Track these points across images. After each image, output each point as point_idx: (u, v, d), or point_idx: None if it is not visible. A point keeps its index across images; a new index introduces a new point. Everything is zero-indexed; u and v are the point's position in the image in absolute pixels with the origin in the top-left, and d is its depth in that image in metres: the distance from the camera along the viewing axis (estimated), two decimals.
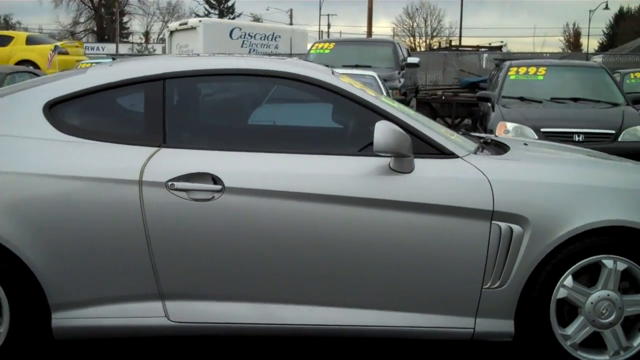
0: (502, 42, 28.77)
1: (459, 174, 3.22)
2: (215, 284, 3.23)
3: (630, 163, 3.77)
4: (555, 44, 76.42)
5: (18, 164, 3.16)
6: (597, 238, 3.22)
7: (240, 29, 22.57)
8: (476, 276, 3.22)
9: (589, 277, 3.31)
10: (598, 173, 3.44)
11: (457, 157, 3.27)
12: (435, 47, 47.87)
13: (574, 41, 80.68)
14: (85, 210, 3.15)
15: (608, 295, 3.27)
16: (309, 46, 19.82)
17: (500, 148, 3.68)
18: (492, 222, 3.18)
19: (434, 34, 65.92)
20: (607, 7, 73.60)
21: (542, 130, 8.16)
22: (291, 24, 51.14)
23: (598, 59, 22.21)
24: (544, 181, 3.26)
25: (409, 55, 15.75)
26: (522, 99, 9.36)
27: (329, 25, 62.07)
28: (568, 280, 3.26)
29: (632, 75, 14.40)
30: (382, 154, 3.12)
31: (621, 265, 3.26)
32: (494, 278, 3.22)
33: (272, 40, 22.82)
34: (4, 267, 3.15)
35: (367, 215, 3.17)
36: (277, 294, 3.24)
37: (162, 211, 3.14)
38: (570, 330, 3.30)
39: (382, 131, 3.06)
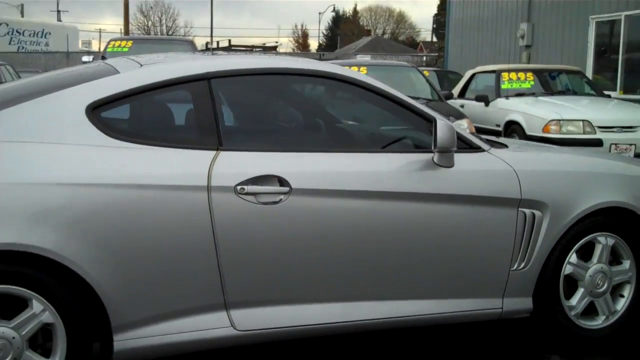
0: (276, 42, 29.62)
1: (491, 167, 3.52)
2: (282, 288, 3.19)
3: (604, 153, 4.33)
4: (286, 44, 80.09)
5: (71, 175, 2.86)
6: (595, 218, 3.71)
7: (7, 24, 20.73)
8: (506, 260, 3.54)
9: (583, 253, 3.78)
10: (592, 162, 3.94)
11: (484, 151, 3.57)
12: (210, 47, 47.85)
13: (303, 42, 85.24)
14: (151, 221, 2.93)
15: (602, 268, 3.78)
16: (80, 44, 18.84)
17: (500, 144, 4.03)
18: (519, 209, 3.52)
19: (170, 32, 65.73)
20: (334, 10, 78.84)
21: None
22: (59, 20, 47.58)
23: (366, 57, 23.73)
24: (557, 170, 3.68)
25: None
26: None
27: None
28: (573, 258, 3.71)
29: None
30: (441, 151, 3.31)
31: (610, 241, 3.79)
32: (520, 260, 3.56)
33: (42, 37, 21.23)
34: (60, 290, 2.84)
35: (418, 209, 3.34)
36: (344, 292, 3.29)
37: (231, 217, 3.04)
38: (574, 301, 3.75)
39: (444, 129, 3.26)
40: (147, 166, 2.96)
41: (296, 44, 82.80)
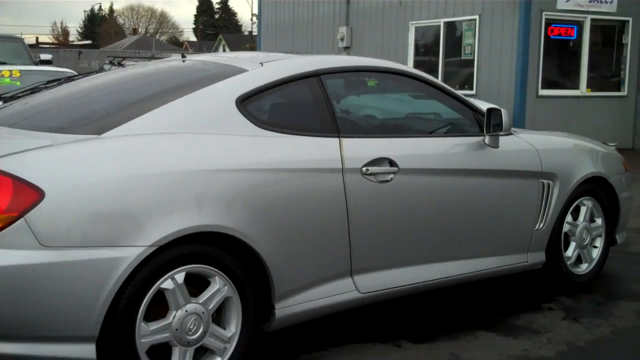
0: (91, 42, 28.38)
1: (521, 146, 4.27)
2: (393, 254, 3.68)
3: (582, 136, 5.20)
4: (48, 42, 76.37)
5: (239, 161, 3.14)
6: (583, 186, 4.61)
7: None
8: (531, 221, 4.32)
9: (573, 214, 4.66)
10: (580, 142, 4.85)
11: (512, 134, 4.30)
12: None
13: (64, 40, 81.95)
14: (300, 199, 3.30)
15: (585, 225, 4.70)
16: None
17: None
18: (540, 180, 4.31)
19: None
20: (101, 9, 76.28)
21: None
22: None
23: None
24: (562, 148, 4.55)
25: None
26: None
27: None
28: (569, 218, 4.58)
29: None
30: (492, 135, 3.99)
31: (590, 204, 4.72)
32: (539, 222, 4.35)
33: None
34: (237, 266, 3.10)
35: (479, 183, 4.01)
36: (436, 254, 3.85)
37: (359, 194, 3.47)
38: (569, 253, 4.63)
39: (506, 116, 3.95)
40: (292, 152, 3.32)
41: (57, 42, 79.03)
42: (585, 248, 4.74)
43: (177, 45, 74.76)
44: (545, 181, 4.34)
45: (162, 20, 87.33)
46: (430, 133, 4.02)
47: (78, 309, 2.71)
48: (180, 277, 2.94)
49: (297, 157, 3.32)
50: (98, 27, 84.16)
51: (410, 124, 4.28)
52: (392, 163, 3.59)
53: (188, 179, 2.96)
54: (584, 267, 4.75)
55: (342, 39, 16.69)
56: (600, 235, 4.84)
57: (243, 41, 69.60)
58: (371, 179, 3.51)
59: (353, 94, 4.13)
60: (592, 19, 12.94)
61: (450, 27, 14.07)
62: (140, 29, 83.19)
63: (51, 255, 2.65)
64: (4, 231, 2.61)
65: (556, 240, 4.51)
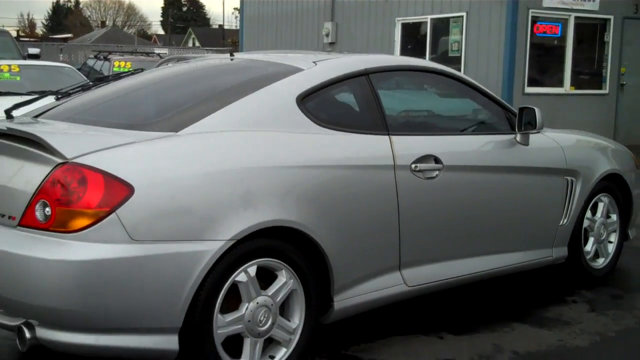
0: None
1: (548, 144, 4.46)
2: (438, 248, 3.84)
3: (599, 135, 5.40)
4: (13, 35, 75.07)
5: (305, 158, 3.26)
6: (601, 182, 4.81)
7: None
8: (557, 217, 4.51)
9: (591, 210, 4.87)
10: (597, 140, 5.05)
11: (539, 132, 4.48)
12: None
13: (30, 32, 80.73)
14: (359, 195, 3.44)
15: (603, 221, 4.90)
16: None
17: None
18: (564, 177, 4.50)
19: None
20: (68, 0, 75.13)
21: None
22: None
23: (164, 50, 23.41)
24: (583, 146, 4.76)
25: None
26: None
27: None
28: (588, 214, 4.79)
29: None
30: (532, 132, 4.17)
31: (607, 200, 4.93)
32: (564, 217, 4.54)
33: None
34: (301, 259, 3.23)
35: (511, 179, 4.19)
36: (476, 248, 4.02)
37: (408, 190, 3.62)
38: (588, 248, 4.84)
39: (540, 115, 4.13)
40: (349, 149, 3.45)
41: (24, 34, 77.80)
42: (602, 243, 4.95)
43: (145, 38, 74.06)
44: (569, 178, 4.53)
45: (130, 12, 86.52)
46: (468, 131, 4.18)
47: (164, 301, 2.82)
48: (252, 270, 3.06)
49: (354, 154, 3.45)
50: (64, 19, 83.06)
51: (450, 122, 4.43)
52: (437, 160, 3.74)
53: (262, 175, 3.08)
54: (600, 262, 4.96)
55: (327, 35, 16.79)
56: (615, 231, 5.05)
57: (212, 35, 69.29)
58: (419, 175, 3.66)
59: (397, 93, 4.26)
60: (576, 17, 13.22)
61: (438, 23, 14.27)
62: (107, 22, 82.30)
63: (141, 249, 2.75)
64: (96, 226, 2.71)
65: (577, 236, 4.70)
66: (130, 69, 7.86)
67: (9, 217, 2.89)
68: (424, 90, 4.45)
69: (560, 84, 13.31)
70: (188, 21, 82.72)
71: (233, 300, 3.06)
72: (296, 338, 3.25)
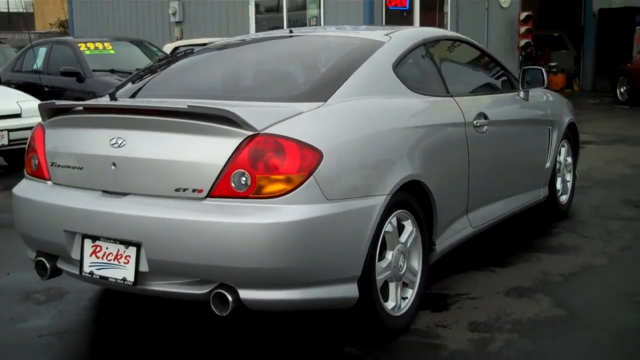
0: None
1: (536, 100, 5.17)
2: (489, 192, 4.42)
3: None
4: None
5: (417, 119, 3.71)
6: (565, 130, 5.64)
7: None
8: (544, 161, 5.26)
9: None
10: (556, 94, 5.83)
11: (526, 90, 5.16)
12: None
13: None
14: (448, 149, 3.92)
15: (564, 163, 5.75)
16: None
17: None
18: (547, 126, 5.26)
19: None
20: None
21: None
22: None
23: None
24: (556, 101, 5.53)
25: None
26: (112, 71, 10.21)
27: None
28: (564, 155, 5.61)
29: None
30: (526, 90, 4.88)
31: (567, 145, 5.78)
32: (547, 161, 5.31)
33: None
34: (419, 209, 3.63)
35: (521, 129, 4.86)
36: (505, 192, 4.67)
37: (473, 143, 4.14)
38: (558, 186, 5.65)
39: (545, 75, 4.81)
40: (436, 110, 3.92)
41: None
42: (564, 182, 5.79)
43: None
44: (549, 127, 5.30)
45: None
46: (494, 90, 4.78)
47: (351, 252, 3.12)
48: (394, 220, 3.42)
49: (442, 114, 3.94)
50: None
51: (481, 83, 4.99)
52: (485, 116, 4.29)
53: (400, 135, 3.47)
54: (564, 198, 5.80)
55: (174, 14, 16.67)
56: (570, 171, 5.92)
57: None
58: (478, 130, 4.19)
59: (450, 59, 4.73)
60: None
61: (293, 0, 14.77)
62: None
63: (334, 207, 3.02)
64: (299, 189, 2.94)
65: (553, 176, 5.50)
66: None
67: (193, 190, 3.01)
68: (457, 57, 4.94)
69: None
70: None
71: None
72: (417, 279, 3.66)
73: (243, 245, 2.91)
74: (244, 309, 3.02)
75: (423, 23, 14.44)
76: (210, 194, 2.99)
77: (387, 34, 4.07)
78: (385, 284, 3.44)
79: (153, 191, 3.12)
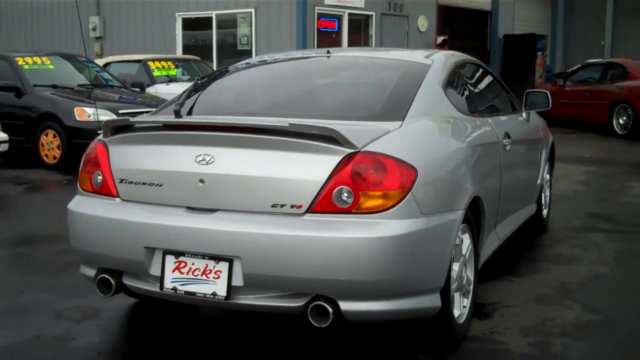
0: None
1: (536, 121, 5.54)
2: (511, 205, 4.69)
3: None
4: None
5: (472, 138, 3.92)
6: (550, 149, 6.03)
7: None
8: (537, 176, 5.60)
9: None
10: (540, 117, 6.19)
11: (529, 112, 5.48)
12: None
13: None
14: (490, 166, 4.16)
15: (546, 178, 6.13)
16: None
17: None
18: (538, 145, 5.62)
19: None
20: None
21: (120, 112, 9.15)
22: None
23: None
24: (541, 122, 5.91)
25: None
26: (54, 86, 9.93)
27: None
28: (546, 171, 5.98)
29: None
30: (528, 112, 5.21)
31: (548, 163, 6.16)
32: (539, 177, 5.66)
33: None
34: (472, 220, 3.82)
35: (526, 148, 5.18)
36: (521, 204, 4.97)
37: (503, 160, 4.38)
38: (542, 200, 6.01)
39: (548, 97, 5.15)
40: (478, 129, 4.12)
41: None
42: (545, 197, 6.17)
43: None
44: (540, 146, 5.65)
45: None
46: (505, 111, 5.06)
47: (436, 264, 3.26)
48: (459, 234, 3.59)
49: (486, 134, 4.16)
50: None
51: (497, 104, 5.24)
52: (509, 135, 4.55)
53: (466, 153, 3.66)
54: (545, 212, 6.18)
55: (94, 29, 16.28)
56: (549, 187, 6.32)
57: None
58: (506, 148, 4.44)
59: (473, 81, 4.95)
60: (349, 14, 14.73)
61: (223, 19, 14.77)
62: None
63: (428, 221, 3.16)
64: (400, 204, 3.06)
65: (540, 192, 5.86)
66: None
67: (292, 206, 3.07)
68: (477, 79, 5.18)
69: None
70: None
71: None
72: (471, 289, 3.84)
73: (348, 258, 2.99)
74: (341, 319, 3.10)
75: (350, 43, 14.81)
76: (310, 210, 3.06)
77: (427, 57, 4.26)
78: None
79: (247, 207, 3.14)
